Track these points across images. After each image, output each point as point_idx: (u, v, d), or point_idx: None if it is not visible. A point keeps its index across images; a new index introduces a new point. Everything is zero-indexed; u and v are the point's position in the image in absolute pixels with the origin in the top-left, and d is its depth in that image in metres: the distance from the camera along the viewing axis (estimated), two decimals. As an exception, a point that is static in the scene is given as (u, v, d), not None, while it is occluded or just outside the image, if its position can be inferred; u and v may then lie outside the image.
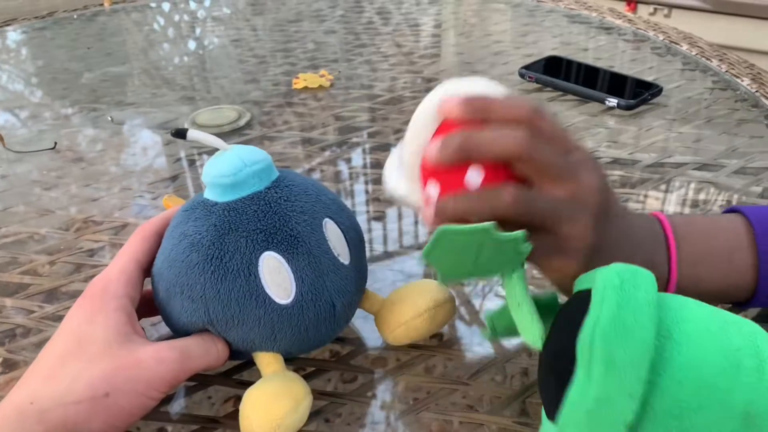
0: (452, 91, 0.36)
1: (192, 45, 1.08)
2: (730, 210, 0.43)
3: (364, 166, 0.68)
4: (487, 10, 1.15)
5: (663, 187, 0.61)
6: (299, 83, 0.86)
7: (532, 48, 0.96)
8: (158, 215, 0.43)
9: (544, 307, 0.35)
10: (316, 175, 0.66)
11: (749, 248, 0.39)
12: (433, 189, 0.36)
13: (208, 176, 0.39)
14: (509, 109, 0.35)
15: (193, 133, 0.37)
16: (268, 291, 0.37)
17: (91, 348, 0.35)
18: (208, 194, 0.39)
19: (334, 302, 0.39)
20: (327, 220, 0.40)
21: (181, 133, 0.37)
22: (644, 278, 0.29)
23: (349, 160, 0.69)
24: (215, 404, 0.41)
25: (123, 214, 0.61)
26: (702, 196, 0.59)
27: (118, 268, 0.39)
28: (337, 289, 0.39)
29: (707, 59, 0.88)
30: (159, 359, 0.36)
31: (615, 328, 0.27)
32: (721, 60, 0.87)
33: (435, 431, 0.39)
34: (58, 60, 1.01)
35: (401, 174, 0.39)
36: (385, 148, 0.70)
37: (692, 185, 0.61)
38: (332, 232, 0.40)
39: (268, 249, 0.37)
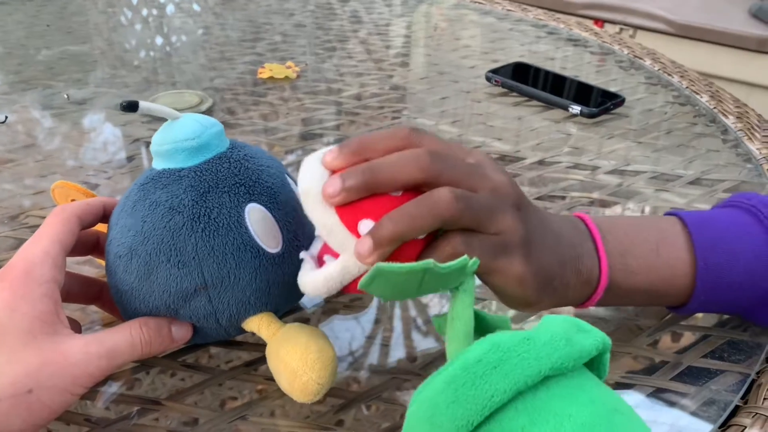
0: (318, 156, 0.35)
1: (157, 30, 1.06)
2: (667, 215, 0.43)
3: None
4: (457, 17, 1.15)
5: (620, 193, 0.61)
6: (264, 73, 0.85)
7: (500, 54, 0.96)
8: (77, 201, 0.39)
9: (490, 327, 0.34)
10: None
11: (679, 242, 0.40)
12: (367, 225, 0.33)
13: (166, 143, 0.37)
14: (388, 139, 0.34)
15: (145, 105, 0.35)
16: (259, 241, 0.37)
17: (14, 340, 0.32)
18: (168, 163, 0.38)
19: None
20: (286, 176, 0.41)
21: (132, 106, 0.35)
22: (518, 360, 0.26)
23: (312, 151, 0.68)
24: (156, 384, 0.40)
25: (73, 192, 0.59)
26: (657, 204, 0.60)
27: (41, 250, 0.35)
28: (311, 238, 0.39)
29: (669, 75, 0.89)
30: (86, 354, 0.33)
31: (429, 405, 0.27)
32: (681, 76, 0.89)
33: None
34: (14, 36, 0.98)
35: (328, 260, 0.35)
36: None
37: (648, 193, 0.61)
38: (293, 187, 0.40)
39: (251, 201, 0.37)
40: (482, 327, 0.34)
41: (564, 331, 0.28)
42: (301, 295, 0.41)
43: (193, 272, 0.35)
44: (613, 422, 0.26)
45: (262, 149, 0.42)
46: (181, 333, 0.38)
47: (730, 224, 0.41)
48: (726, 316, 0.46)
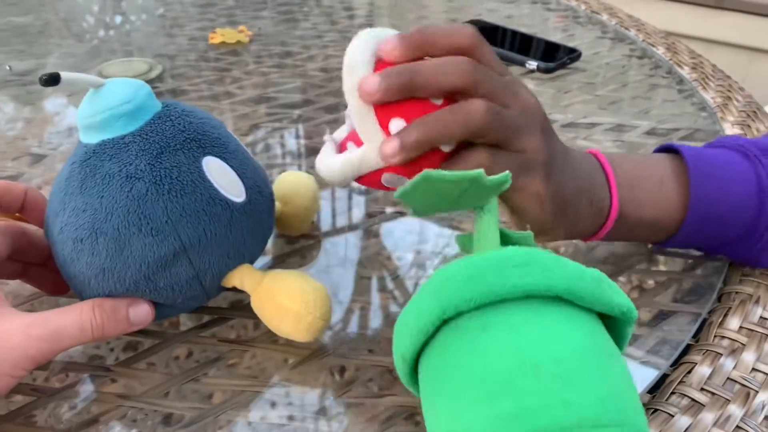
0: (379, 35, 0.34)
1: (105, -1, 1.02)
2: (660, 148, 0.45)
3: (279, 120, 0.66)
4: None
5: (577, 145, 0.61)
6: (216, 38, 0.82)
7: (457, 14, 0.95)
8: None
9: (515, 244, 0.33)
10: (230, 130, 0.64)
11: (678, 176, 0.41)
12: (398, 124, 0.33)
13: (99, 112, 0.34)
14: (451, 37, 0.34)
15: (67, 76, 0.32)
16: (224, 193, 0.36)
17: None
18: (105, 133, 0.35)
19: (272, 196, 0.40)
20: (224, 128, 0.40)
21: (53, 79, 0.32)
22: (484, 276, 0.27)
23: (265, 115, 0.66)
24: (114, 350, 0.39)
25: (16, 164, 0.57)
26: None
27: None
28: (267, 184, 0.40)
29: (626, 29, 0.89)
30: (27, 336, 0.32)
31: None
32: (638, 30, 0.89)
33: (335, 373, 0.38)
34: (-46, 8, 0.94)
35: (350, 149, 0.36)
36: (303, 104, 0.68)
37: (606, 144, 0.61)
38: (234, 137, 0.40)
39: (205, 155, 0.36)
40: (507, 244, 0.33)
41: (599, 275, 0.28)
42: (264, 244, 0.40)
43: (169, 237, 0.34)
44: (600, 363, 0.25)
45: (192, 105, 0.40)
46: (140, 316, 0.35)
47: (724, 162, 0.42)
48: (679, 258, 0.46)
